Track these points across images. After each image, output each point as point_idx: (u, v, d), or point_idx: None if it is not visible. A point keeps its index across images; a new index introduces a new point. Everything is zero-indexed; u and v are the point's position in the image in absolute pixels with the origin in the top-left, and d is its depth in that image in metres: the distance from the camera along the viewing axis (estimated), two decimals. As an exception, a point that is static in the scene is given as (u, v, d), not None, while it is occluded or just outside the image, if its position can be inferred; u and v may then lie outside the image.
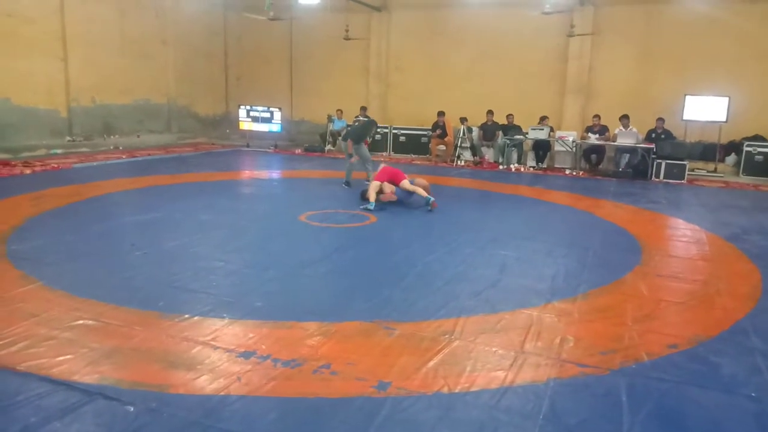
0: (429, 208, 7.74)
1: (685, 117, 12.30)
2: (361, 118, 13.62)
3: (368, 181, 9.57)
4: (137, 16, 14.51)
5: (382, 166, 8.52)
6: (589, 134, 12.70)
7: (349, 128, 10.51)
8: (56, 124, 12.96)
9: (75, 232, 6.12)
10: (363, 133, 9.79)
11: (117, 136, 14.22)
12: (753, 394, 3.16)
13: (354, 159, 9.62)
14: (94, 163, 11.11)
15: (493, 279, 5.00)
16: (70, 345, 3.43)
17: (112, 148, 13.35)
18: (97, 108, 13.82)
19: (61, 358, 3.26)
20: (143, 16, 14.72)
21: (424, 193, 7.92)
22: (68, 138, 13.13)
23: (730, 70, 12.33)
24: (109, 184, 8.98)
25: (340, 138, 9.91)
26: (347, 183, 9.68)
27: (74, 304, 4.03)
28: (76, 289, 4.31)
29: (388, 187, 7.97)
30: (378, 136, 14.80)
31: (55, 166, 10.42)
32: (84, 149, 12.82)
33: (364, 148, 9.93)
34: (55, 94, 12.83)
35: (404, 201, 8.07)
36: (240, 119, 15.68)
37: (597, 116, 12.70)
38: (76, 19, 12.89)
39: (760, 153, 12.13)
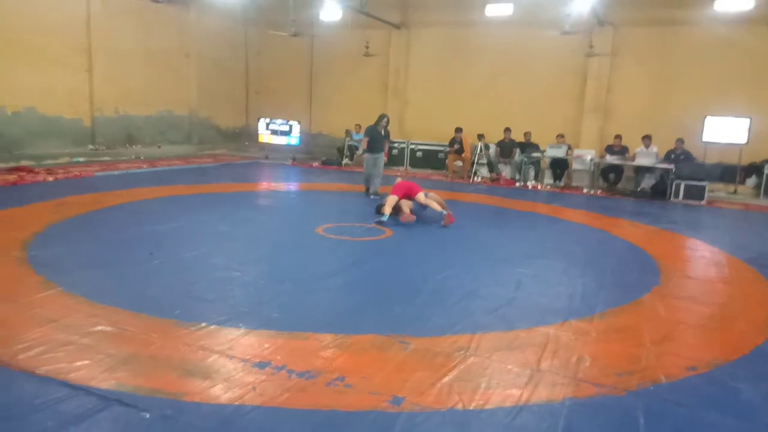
0: (442, 223, 7.74)
1: (705, 139, 12.21)
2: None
3: (370, 194, 9.75)
4: (161, 29, 14.80)
5: (398, 180, 8.55)
6: (608, 154, 12.66)
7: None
8: (79, 133, 13.21)
9: (95, 240, 6.21)
10: (375, 127, 10.14)
11: (139, 146, 14.45)
12: (773, 421, 3.10)
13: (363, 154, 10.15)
14: (116, 172, 11.28)
15: (509, 296, 4.98)
16: (88, 351, 3.46)
17: (133, 157, 13.55)
18: (120, 118, 14.07)
19: (78, 363, 3.29)
20: (167, 29, 15.02)
21: (438, 208, 7.92)
22: (91, 147, 13.37)
23: (751, 91, 12.24)
24: (129, 193, 9.10)
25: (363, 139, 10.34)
26: (368, 191, 9.89)
27: (92, 311, 4.08)
28: (94, 295, 4.36)
29: (406, 205, 7.97)
30: (395, 151, 14.89)
31: (78, 174, 10.59)
32: (106, 158, 13.03)
33: (382, 162, 10.10)
34: (79, 103, 13.10)
35: (419, 214, 8.07)
36: (259, 132, 15.86)
37: (618, 136, 12.66)
38: (102, 31, 13.20)
39: (781, 175, 11.99)
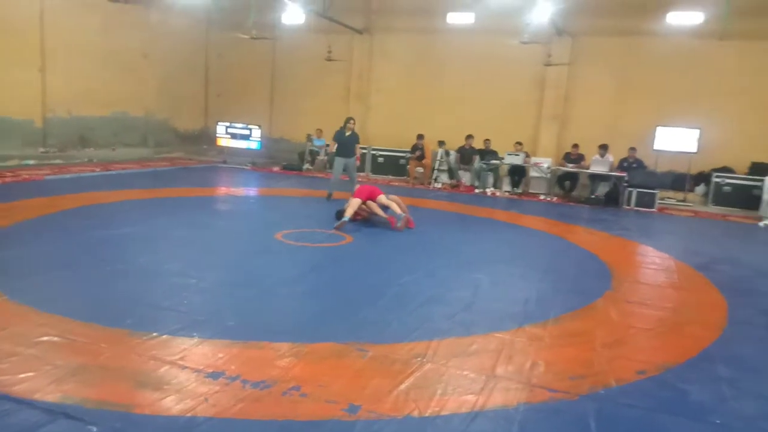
0: (398, 225, 7.78)
1: (656, 147, 12.61)
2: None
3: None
4: (119, 28, 14.42)
5: (357, 186, 8.61)
6: (565, 162, 12.94)
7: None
8: (30, 135, 12.76)
9: (44, 246, 6.00)
10: (342, 131, 10.20)
11: (92, 148, 14.04)
12: (718, 421, 3.21)
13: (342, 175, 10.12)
14: (67, 176, 10.94)
15: (467, 302, 5.02)
16: (34, 361, 3.34)
17: (86, 160, 13.16)
18: (73, 119, 13.65)
19: (23, 375, 3.17)
20: (125, 28, 14.63)
21: (398, 209, 7.97)
22: (42, 149, 12.93)
23: (701, 102, 12.69)
24: (81, 197, 8.83)
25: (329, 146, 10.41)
26: (329, 196, 9.97)
27: (40, 320, 3.94)
28: (43, 303, 4.21)
29: (374, 206, 8.04)
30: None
31: (27, 177, 10.23)
32: (57, 161, 12.62)
33: (353, 166, 10.18)
34: (30, 103, 12.67)
35: (378, 220, 8.11)
36: (218, 135, 15.62)
37: (576, 145, 12.94)
38: (57, 29, 12.79)
39: (728, 184, 12.46)
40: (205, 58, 17.83)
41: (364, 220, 8.21)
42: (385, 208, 8.09)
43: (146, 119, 15.79)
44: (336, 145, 10.28)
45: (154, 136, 16.15)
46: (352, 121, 10.37)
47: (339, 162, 10.23)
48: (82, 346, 3.59)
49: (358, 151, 10.45)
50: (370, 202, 8.08)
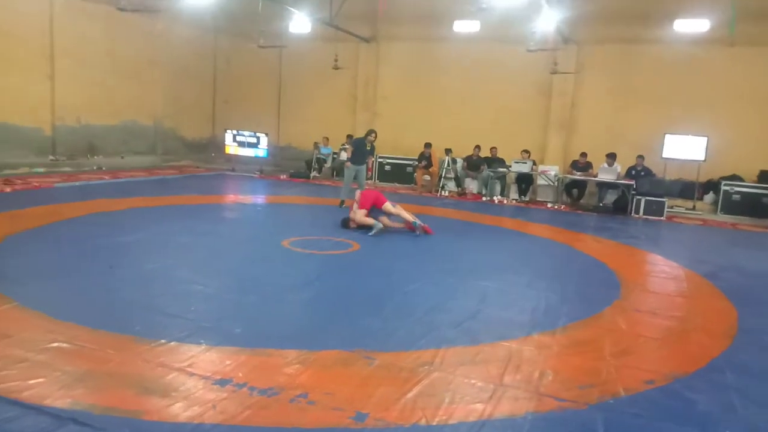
0: (417, 232, 7.83)
1: (665, 155, 12.56)
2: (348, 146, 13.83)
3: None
4: (127, 36, 14.53)
5: (358, 192, 8.59)
6: (573, 170, 12.91)
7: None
8: (40, 143, 12.87)
9: (53, 252, 6.04)
10: (363, 140, 10.33)
11: (101, 156, 14.14)
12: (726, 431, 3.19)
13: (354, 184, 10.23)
14: (77, 183, 11.02)
15: (474, 310, 5.01)
16: (43, 368, 3.36)
17: (95, 168, 13.26)
18: (81, 128, 13.76)
19: (32, 381, 3.19)
20: (133, 36, 14.74)
21: (410, 217, 8.00)
22: (51, 157, 13.03)
23: (709, 110, 12.67)
24: (90, 204, 8.89)
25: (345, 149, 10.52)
26: (342, 204, 10.12)
27: (49, 326, 3.96)
28: (52, 310, 4.24)
29: (388, 221, 8.11)
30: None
31: (36, 185, 10.32)
32: (67, 169, 12.72)
33: (364, 174, 10.31)
34: (40, 112, 12.78)
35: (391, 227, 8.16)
36: (226, 143, 15.68)
37: (584, 154, 12.89)
38: (65, 37, 12.92)
39: (737, 192, 12.39)
40: (212, 65, 17.95)
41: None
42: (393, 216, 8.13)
43: (155, 127, 15.89)
44: (352, 150, 10.40)
45: (163, 144, 16.26)
46: (373, 134, 10.56)
47: (351, 169, 10.35)
48: (91, 353, 3.60)
49: (371, 163, 10.63)
50: (385, 219, 8.08)
